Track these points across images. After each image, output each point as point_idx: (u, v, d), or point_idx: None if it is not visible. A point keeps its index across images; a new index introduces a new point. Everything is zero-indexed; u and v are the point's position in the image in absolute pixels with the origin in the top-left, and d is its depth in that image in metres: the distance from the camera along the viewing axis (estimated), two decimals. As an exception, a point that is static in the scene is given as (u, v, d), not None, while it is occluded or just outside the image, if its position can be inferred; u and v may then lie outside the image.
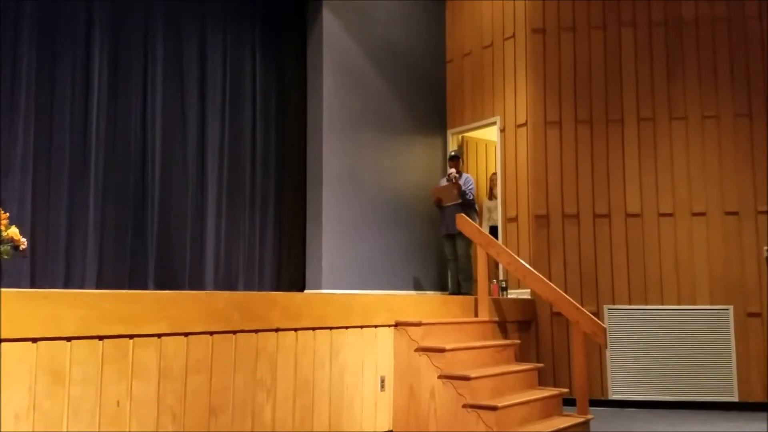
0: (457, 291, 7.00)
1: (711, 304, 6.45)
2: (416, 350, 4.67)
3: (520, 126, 7.17)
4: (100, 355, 3.05)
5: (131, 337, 3.18)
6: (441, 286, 7.89)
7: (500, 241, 7.00)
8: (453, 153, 7.30)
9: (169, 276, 6.01)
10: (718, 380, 6.31)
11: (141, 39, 6.08)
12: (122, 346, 3.15)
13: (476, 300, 5.68)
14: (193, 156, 6.35)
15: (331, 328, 4.29)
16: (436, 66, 8.19)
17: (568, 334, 6.44)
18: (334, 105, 7.11)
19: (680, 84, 6.79)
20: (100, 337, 3.06)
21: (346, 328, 4.40)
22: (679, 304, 6.50)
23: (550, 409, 4.98)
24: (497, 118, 7.47)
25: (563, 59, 7.04)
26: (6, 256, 3.70)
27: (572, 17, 7.08)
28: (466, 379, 4.47)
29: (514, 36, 7.37)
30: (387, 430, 4.65)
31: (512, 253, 5.88)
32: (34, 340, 2.82)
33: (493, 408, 4.33)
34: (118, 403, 3.09)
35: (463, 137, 8.19)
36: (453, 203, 6.82)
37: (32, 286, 5.11)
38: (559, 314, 6.21)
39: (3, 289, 2.76)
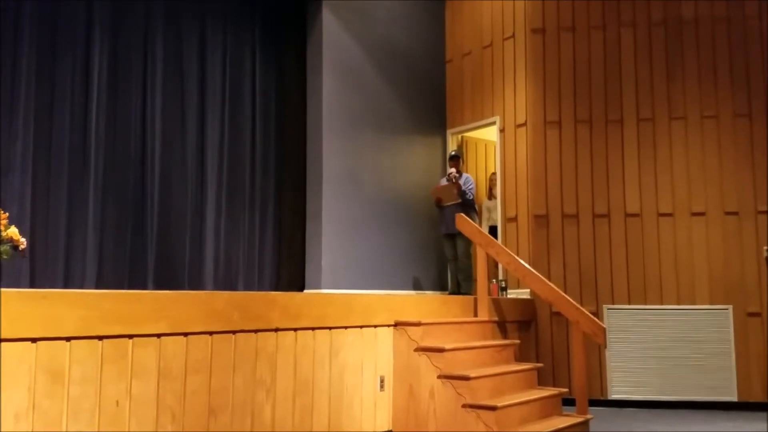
0: (457, 291, 7.00)
1: (710, 304, 6.45)
2: (416, 350, 4.67)
3: (519, 126, 7.17)
4: (100, 355, 3.05)
5: (131, 337, 3.19)
6: (441, 286, 7.89)
7: (500, 241, 7.00)
8: (453, 153, 7.30)
9: (169, 276, 6.01)
10: (718, 380, 6.31)
11: (141, 39, 6.09)
12: (122, 346, 3.15)
13: (476, 300, 5.69)
14: (193, 156, 6.35)
15: (330, 328, 4.29)
16: (436, 66, 8.19)
17: (567, 334, 6.45)
18: (333, 105, 7.11)
19: (680, 84, 6.79)
20: (100, 337, 3.06)
21: (346, 328, 4.40)
22: (678, 304, 6.50)
23: (549, 409, 4.99)
24: (497, 118, 7.47)
25: (563, 59, 7.04)
26: (5, 256, 3.70)
27: (572, 17, 7.08)
28: (466, 378, 4.47)
29: (513, 36, 7.37)
30: (386, 429, 4.65)
31: (512, 253, 5.88)
32: (34, 340, 2.83)
33: (493, 408, 4.34)
34: (117, 402, 3.09)
35: (462, 137, 8.19)
36: (453, 203, 6.82)
37: (32, 286, 5.11)
38: (558, 314, 6.22)
39: (3, 289, 2.76)
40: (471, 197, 6.91)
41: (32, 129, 5.36)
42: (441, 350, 4.58)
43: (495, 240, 6.22)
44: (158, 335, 3.30)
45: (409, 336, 4.71)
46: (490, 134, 8.05)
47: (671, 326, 6.45)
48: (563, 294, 5.44)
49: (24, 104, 5.33)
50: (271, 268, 6.84)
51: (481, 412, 4.36)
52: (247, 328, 3.75)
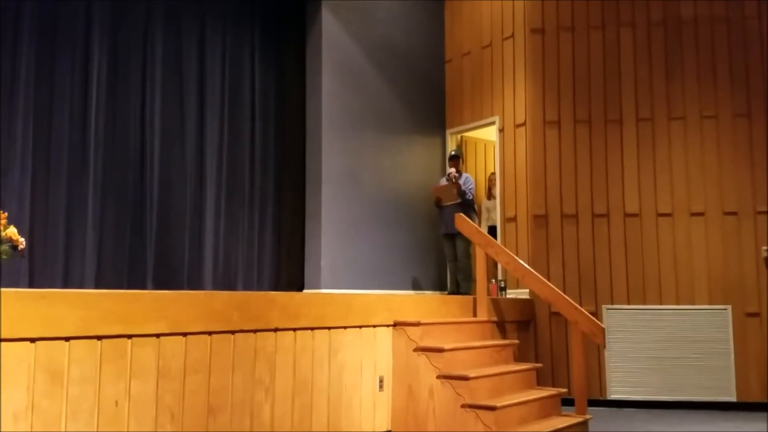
0: (456, 291, 7.01)
1: (709, 304, 6.45)
2: (415, 350, 4.67)
3: (519, 126, 7.18)
4: (99, 354, 3.05)
5: (130, 337, 3.19)
6: (440, 286, 7.89)
7: (499, 241, 7.00)
8: (453, 152, 7.30)
9: (168, 275, 6.01)
10: (717, 380, 6.31)
11: (140, 39, 6.08)
12: (121, 345, 3.15)
13: (475, 300, 5.69)
14: (192, 156, 6.35)
15: (330, 328, 4.29)
16: (436, 66, 8.20)
17: (566, 334, 6.44)
18: (333, 105, 7.12)
19: (679, 84, 6.79)
20: (99, 337, 3.06)
21: (345, 327, 4.40)
22: (677, 304, 6.50)
23: (548, 409, 4.99)
24: (496, 118, 7.47)
25: (562, 59, 7.05)
26: (5, 256, 3.70)
27: (571, 17, 7.08)
28: (465, 379, 4.47)
29: (513, 36, 7.37)
30: (386, 430, 4.65)
31: (511, 253, 5.89)
32: (33, 340, 2.83)
33: (492, 408, 4.34)
34: (116, 402, 3.09)
35: (462, 137, 8.19)
36: (452, 203, 6.82)
37: (31, 286, 5.11)
38: (557, 314, 6.22)
39: (2, 289, 2.76)
40: (471, 197, 6.91)
41: (31, 128, 5.35)
42: (440, 350, 4.58)
43: (494, 240, 6.23)
44: (157, 335, 3.30)
45: (408, 336, 4.71)
46: (489, 134, 8.05)
47: (670, 326, 6.45)
48: (562, 294, 5.44)
49: (23, 104, 5.32)
50: (270, 268, 6.84)
51: (480, 412, 4.36)
52: (246, 328, 3.75)
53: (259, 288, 6.64)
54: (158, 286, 5.84)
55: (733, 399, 6.26)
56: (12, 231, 3.75)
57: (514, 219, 7.09)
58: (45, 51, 5.48)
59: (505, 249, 5.98)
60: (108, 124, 5.80)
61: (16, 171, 5.23)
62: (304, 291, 6.87)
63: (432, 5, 8.25)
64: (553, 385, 6.17)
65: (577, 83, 6.98)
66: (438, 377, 4.55)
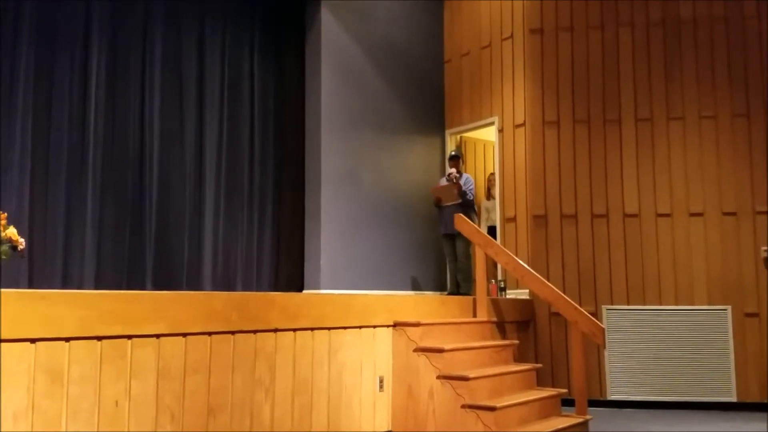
0: (456, 291, 7.00)
1: (709, 304, 6.46)
2: (415, 350, 4.67)
3: (518, 126, 7.18)
4: (99, 355, 3.05)
5: (129, 337, 3.18)
6: (440, 287, 7.89)
7: (498, 241, 7.00)
8: (453, 153, 7.30)
9: (168, 276, 6.01)
10: (716, 380, 6.32)
11: (140, 39, 6.08)
12: (121, 346, 3.15)
13: (475, 300, 5.68)
14: (192, 156, 6.34)
15: (329, 329, 4.29)
16: (435, 66, 8.20)
17: (566, 335, 6.44)
18: (332, 105, 7.11)
19: (678, 84, 6.80)
20: (99, 338, 3.06)
21: (345, 328, 4.40)
22: (677, 304, 6.51)
23: (548, 410, 4.99)
24: (495, 118, 7.47)
25: (561, 59, 7.05)
26: (4, 257, 3.69)
27: (570, 17, 7.09)
28: (465, 379, 4.47)
29: (512, 36, 7.37)
30: (386, 430, 4.65)
31: (511, 254, 5.89)
32: (33, 341, 2.82)
33: (492, 408, 4.34)
34: (116, 403, 3.09)
35: (461, 137, 8.19)
36: (452, 203, 6.82)
37: (30, 286, 5.10)
38: (557, 314, 6.22)
39: (2, 290, 2.76)
40: (471, 197, 6.92)
41: (30, 128, 5.35)
42: (440, 350, 4.58)
43: (494, 240, 6.23)
44: (157, 335, 3.30)
45: (408, 336, 4.71)
46: (488, 134, 8.05)
47: (670, 327, 6.45)
48: (562, 294, 5.44)
49: (23, 103, 5.32)
50: (269, 268, 6.84)
51: (480, 412, 4.36)
52: (245, 329, 3.75)
53: (259, 288, 6.64)
54: (158, 286, 5.83)
55: (733, 399, 6.27)
56: (11, 231, 3.75)
57: (513, 219, 7.10)
58: (44, 51, 5.48)
59: (505, 249, 5.98)
60: (107, 124, 5.80)
61: (16, 171, 5.22)
62: (304, 291, 6.87)
63: (431, 5, 8.25)
64: (553, 386, 6.17)
65: (576, 83, 6.98)
66: (438, 377, 4.55)
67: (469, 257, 6.84)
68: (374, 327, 4.63)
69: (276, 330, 3.92)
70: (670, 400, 6.32)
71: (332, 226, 6.95)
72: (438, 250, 7.72)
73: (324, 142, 7.00)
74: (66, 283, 5.40)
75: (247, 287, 6.54)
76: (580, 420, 4.95)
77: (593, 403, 6.00)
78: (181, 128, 6.30)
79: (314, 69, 7.15)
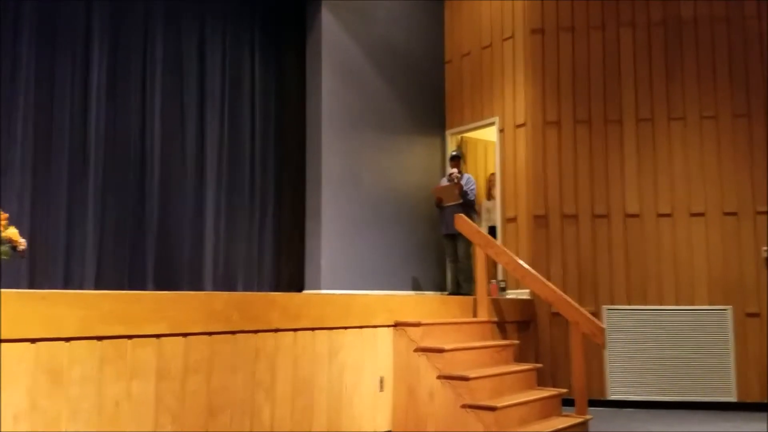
0: (456, 291, 7.00)
1: (710, 304, 6.45)
2: (415, 350, 4.67)
3: (519, 126, 7.17)
4: (99, 355, 3.05)
5: (130, 337, 3.18)
6: (440, 287, 7.89)
7: (499, 241, 7.00)
8: (454, 153, 7.30)
9: (168, 276, 6.01)
10: (717, 380, 6.31)
11: (140, 39, 6.08)
12: (121, 346, 3.15)
13: (475, 300, 5.69)
14: (193, 156, 6.35)
15: (330, 329, 4.29)
16: (435, 66, 8.19)
17: (566, 335, 6.42)
18: (333, 105, 7.12)
19: (679, 84, 6.79)
20: (99, 338, 3.06)
21: (345, 328, 4.40)
22: (677, 304, 6.50)
23: (549, 410, 4.99)
24: (496, 119, 7.47)
25: (562, 59, 7.05)
26: (5, 257, 3.70)
27: (571, 17, 7.08)
28: (465, 379, 4.47)
29: (513, 36, 7.37)
30: (386, 430, 4.65)
31: (511, 254, 5.89)
32: (33, 341, 2.83)
33: (492, 408, 4.34)
34: (117, 403, 3.09)
35: (462, 137, 8.19)
36: (454, 203, 6.82)
37: (31, 287, 5.11)
38: (558, 314, 6.21)
39: (2, 290, 2.76)
40: (472, 198, 6.92)
41: (32, 128, 5.35)
42: (440, 351, 4.58)
43: (494, 240, 6.23)
44: (158, 336, 3.30)
45: (408, 336, 4.71)
46: (489, 134, 8.05)
47: (670, 327, 6.45)
48: (562, 294, 5.44)
49: (24, 104, 5.32)
50: (270, 268, 6.84)
51: (480, 412, 4.36)
52: (246, 329, 3.75)
53: (260, 288, 6.64)
54: (158, 286, 5.84)
55: (734, 399, 6.26)
56: (12, 231, 3.75)
57: (514, 219, 7.09)
58: (45, 51, 5.48)
59: (506, 249, 5.98)
60: (108, 124, 5.80)
61: (17, 171, 5.23)
62: (304, 291, 6.87)
63: (432, 5, 8.25)
64: (554, 386, 6.16)
65: (577, 83, 6.98)
66: (438, 377, 4.55)
67: (470, 257, 6.83)
68: (375, 327, 4.63)
69: (276, 330, 3.92)
70: (671, 400, 6.31)
71: (333, 226, 6.95)
72: (438, 250, 7.72)
73: (324, 142, 7.00)
74: (67, 284, 5.41)
75: (247, 287, 6.54)
76: (580, 420, 4.96)
77: (593, 403, 6.00)
78: (181, 128, 6.30)
79: (314, 69, 7.16)
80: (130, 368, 3.17)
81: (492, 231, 7.47)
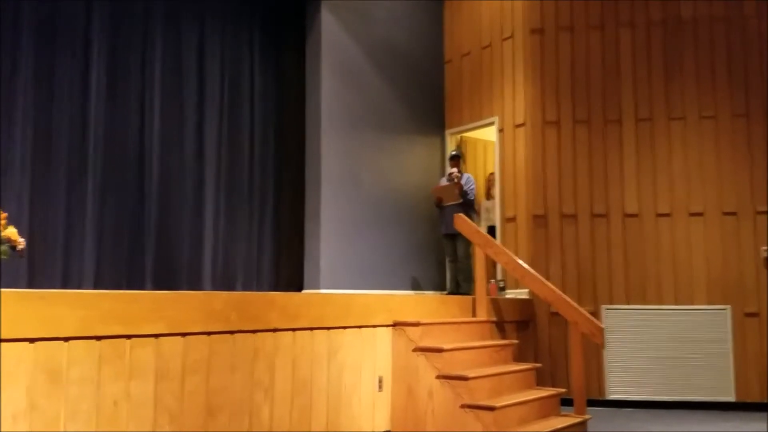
0: (456, 291, 7.00)
1: (709, 304, 6.46)
2: (414, 350, 4.67)
3: (518, 126, 7.18)
4: (98, 355, 3.05)
5: (129, 337, 3.19)
6: (440, 286, 7.89)
7: (498, 241, 7.00)
8: (454, 152, 7.30)
9: (167, 276, 6.01)
10: (716, 380, 6.31)
11: (140, 39, 6.08)
12: (120, 346, 3.15)
13: (474, 300, 5.69)
14: (192, 156, 6.35)
15: (329, 328, 4.29)
16: (435, 66, 8.20)
17: (566, 334, 6.43)
18: (332, 105, 7.12)
19: (678, 84, 6.79)
20: (98, 338, 3.06)
21: (345, 328, 4.40)
22: (676, 304, 6.51)
23: (547, 409, 4.99)
24: (495, 119, 7.47)
25: (561, 59, 7.05)
26: (4, 257, 3.70)
27: (570, 17, 7.08)
28: (464, 379, 4.47)
29: (512, 36, 7.37)
30: (385, 430, 4.65)
31: (510, 253, 5.89)
32: (32, 341, 2.83)
33: (491, 408, 4.34)
34: (115, 403, 3.09)
35: (461, 137, 8.19)
36: (454, 203, 6.82)
37: (30, 287, 5.10)
38: (557, 314, 6.21)
39: (1, 290, 2.76)
40: (472, 197, 6.92)
41: (31, 129, 5.35)
42: (439, 350, 4.59)
43: (494, 240, 6.23)
44: (156, 335, 3.30)
45: (407, 336, 4.71)
46: (488, 134, 8.05)
47: (669, 326, 6.45)
48: (562, 294, 5.44)
49: (23, 104, 5.32)
50: (269, 268, 6.84)
51: (479, 412, 4.36)
52: (245, 329, 3.75)
53: (259, 288, 6.64)
54: (157, 286, 5.84)
55: (732, 399, 6.27)
56: (11, 231, 3.75)
57: (513, 219, 7.09)
58: (45, 51, 5.48)
59: (505, 249, 5.98)
60: (107, 124, 5.80)
61: (16, 171, 5.23)
62: (304, 291, 6.87)
63: (431, 5, 8.25)
64: (553, 385, 6.16)
65: (576, 83, 6.98)
66: (437, 377, 4.55)
67: (469, 257, 6.84)
68: (374, 327, 4.63)
69: (275, 330, 3.93)
70: (670, 400, 6.32)
71: (332, 226, 6.95)
72: (438, 250, 7.72)
73: (324, 142, 7.00)
74: (66, 283, 5.41)
75: (247, 287, 6.54)
76: (579, 420, 4.96)
77: (592, 403, 6.00)
78: (181, 128, 6.30)
79: (314, 69, 7.16)
80: (129, 368, 3.17)
81: (491, 231, 7.46)
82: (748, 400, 6.23)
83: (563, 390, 5.37)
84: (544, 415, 4.93)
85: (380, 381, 4.64)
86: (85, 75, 5.70)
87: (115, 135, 5.85)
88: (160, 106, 6.15)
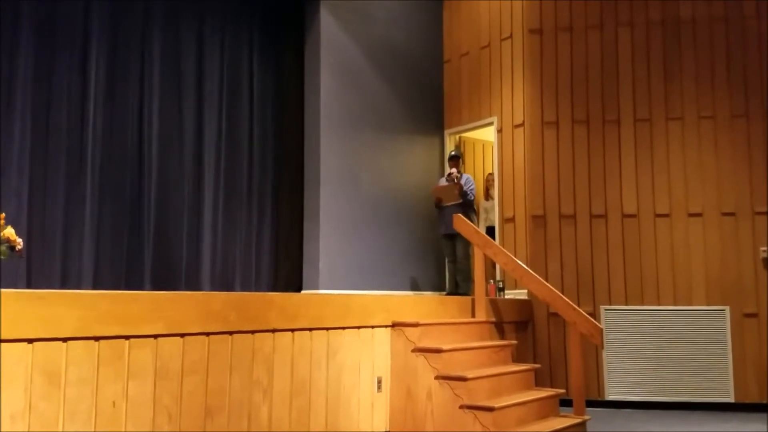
0: (455, 291, 7.00)
1: (707, 304, 6.46)
2: (413, 351, 4.67)
3: (517, 126, 7.18)
4: (97, 355, 3.05)
5: (127, 337, 3.18)
6: (439, 287, 7.89)
7: (497, 241, 7.00)
8: (453, 153, 7.30)
9: (166, 276, 6.00)
10: (715, 381, 6.32)
11: (139, 38, 6.07)
12: (118, 346, 3.14)
13: (473, 300, 5.68)
14: (190, 155, 6.34)
15: (328, 329, 4.29)
16: (434, 66, 8.20)
17: (564, 335, 6.45)
18: (331, 104, 7.11)
19: (677, 84, 6.80)
20: (97, 338, 3.06)
21: (343, 328, 4.40)
22: (675, 304, 6.51)
23: (546, 410, 4.99)
24: (494, 119, 7.47)
25: (560, 59, 7.05)
26: (3, 257, 3.69)
27: (569, 17, 7.09)
28: (463, 379, 4.47)
29: (511, 36, 7.37)
30: (384, 430, 4.65)
31: (509, 254, 5.89)
32: (30, 341, 2.82)
33: (490, 409, 4.34)
34: (114, 403, 3.09)
35: (460, 137, 8.19)
36: (453, 203, 6.82)
37: (28, 287, 5.10)
38: (555, 315, 6.22)
39: (0, 290, 2.76)
40: (472, 198, 6.92)
41: (29, 128, 5.34)
42: (438, 351, 4.58)
43: (492, 240, 6.22)
44: (155, 336, 3.30)
45: (406, 337, 4.71)
46: (487, 134, 8.05)
47: (668, 327, 6.46)
48: (560, 294, 5.44)
49: (21, 103, 5.31)
50: (268, 268, 6.84)
51: (478, 412, 4.36)
52: (244, 329, 3.74)
53: (257, 288, 6.64)
54: (156, 286, 5.83)
55: (731, 400, 6.27)
56: (10, 231, 3.75)
57: (512, 219, 7.10)
58: (44, 50, 5.47)
59: (504, 249, 5.98)
60: (106, 124, 5.79)
61: (14, 171, 5.22)
62: (303, 291, 6.87)
63: (431, 5, 8.25)
64: (552, 386, 6.17)
65: (575, 83, 6.98)
66: (436, 378, 4.55)
67: (468, 258, 6.83)
68: (373, 327, 4.63)
69: (274, 330, 3.92)
70: (669, 401, 6.32)
71: (331, 226, 6.95)
72: (437, 250, 7.72)
73: (323, 142, 7.00)
74: (64, 284, 5.40)
75: (245, 287, 6.54)
76: (578, 420, 4.96)
77: (591, 404, 6.00)
78: (180, 128, 6.30)
79: (313, 69, 7.15)
80: (128, 368, 3.16)
81: (490, 231, 7.47)
82: (747, 401, 6.24)
83: (562, 390, 5.38)
84: (543, 415, 4.93)
85: (379, 381, 4.64)
86: (84, 75, 5.69)
87: (114, 135, 5.84)
88: (159, 106, 6.15)
